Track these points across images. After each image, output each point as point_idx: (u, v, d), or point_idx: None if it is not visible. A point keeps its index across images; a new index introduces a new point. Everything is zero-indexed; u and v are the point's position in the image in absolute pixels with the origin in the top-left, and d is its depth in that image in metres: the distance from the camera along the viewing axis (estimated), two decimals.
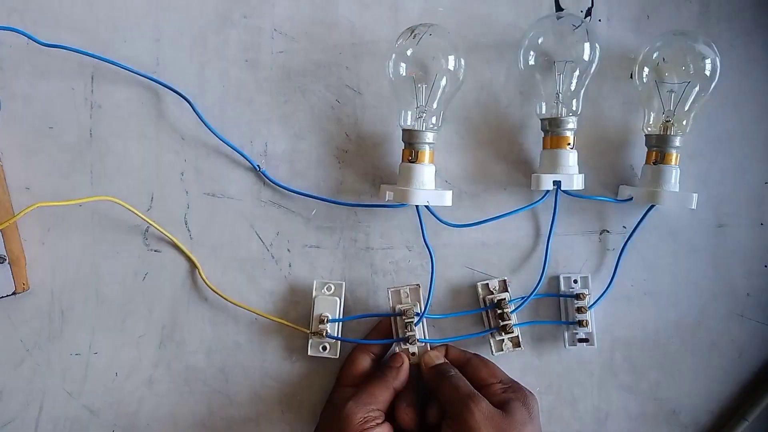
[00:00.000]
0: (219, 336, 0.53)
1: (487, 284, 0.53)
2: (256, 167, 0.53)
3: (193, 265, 0.53)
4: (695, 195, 0.50)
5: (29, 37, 0.50)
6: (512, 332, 0.52)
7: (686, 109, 0.50)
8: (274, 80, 0.53)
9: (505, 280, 0.53)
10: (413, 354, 0.51)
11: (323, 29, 0.53)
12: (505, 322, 0.51)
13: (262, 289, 0.53)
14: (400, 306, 0.51)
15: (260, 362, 0.54)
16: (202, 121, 0.52)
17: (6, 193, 0.51)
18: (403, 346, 0.51)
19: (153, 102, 0.53)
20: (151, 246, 0.53)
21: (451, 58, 0.49)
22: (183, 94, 0.52)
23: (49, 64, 0.52)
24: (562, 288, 0.54)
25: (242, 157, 0.53)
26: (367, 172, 0.54)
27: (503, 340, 0.52)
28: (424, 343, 0.52)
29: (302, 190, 0.53)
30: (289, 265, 0.54)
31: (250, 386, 0.54)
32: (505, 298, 0.52)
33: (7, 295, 0.50)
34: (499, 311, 0.52)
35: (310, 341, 0.52)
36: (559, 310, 0.54)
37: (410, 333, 0.50)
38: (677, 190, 0.50)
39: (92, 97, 0.53)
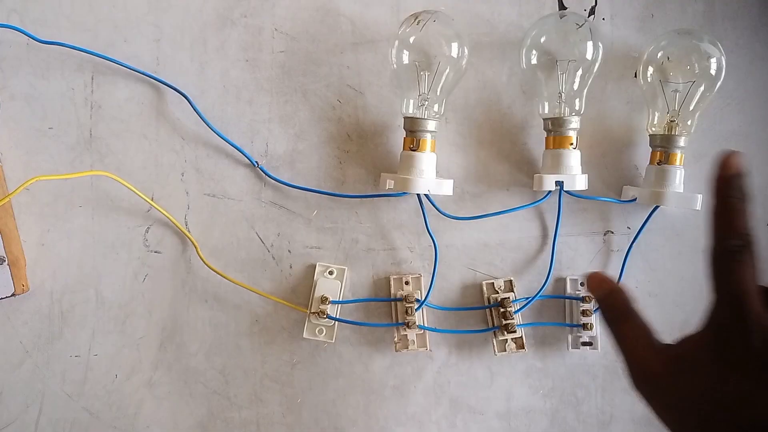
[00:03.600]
0: (219, 338, 0.53)
1: (493, 283, 0.53)
2: (254, 163, 0.52)
3: (190, 260, 0.53)
4: (700, 196, 0.50)
5: (28, 35, 0.50)
6: (515, 332, 0.51)
7: (691, 108, 0.50)
8: (275, 80, 0.53)
9: (510, 280, 0.53)
10: (412, 341, 0.52)
11: (324, 28, 0.53)
12: (508, 321, 0.51)
13: (262, 290, 0.53)
14: (401, 292, 0.52)
15: (260, 364, 0.53)
16: (200, 116, 0.51)
17: (6, 193, 0.51)
18: (402, 332, 0.52)
19: (153, 103, 0.53)
20: (151, 247, 0.53)
21: (455, 46, 0.49)
22: (180, 89, 0.51)
23: (49, 65, 0.52)
24: (568, 290, 0.53)
25: (242, 158, 0.53)
26: (368, 172, 0.53)
27: (506, 340, 0.52)
28: (422, 330, 0.52)
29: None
30: (290, 267, 0.53)
31: (251, 388, 0.53)
32: (509, 297, 0.52)
33: (7, 297, 0.50)
34: (502, 310, 0.51)
35: (306, 323, 0.52)
36: (563, 312, 0.54)
37: (410, 318, 0.51)
38: (681, 190, 0.50)
39: (92, 97, 0.52)
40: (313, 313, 0.51)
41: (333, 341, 0.52)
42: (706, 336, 0.33)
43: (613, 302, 0.37)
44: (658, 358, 0.34)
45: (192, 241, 0.52)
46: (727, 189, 0.32)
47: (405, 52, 0.49)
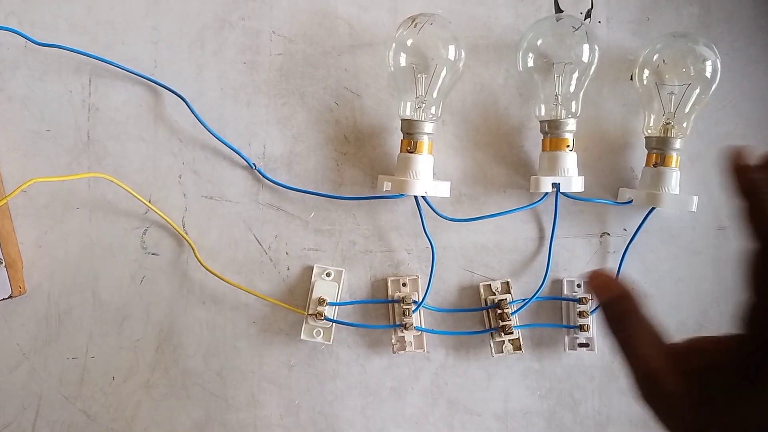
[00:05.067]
0: (216, 340, 0.53)
1: (490, 285, 0.53)
2: (252, 165, 0.52)
3: (188, 262, 0.53)
4: (696, 198, 0.50)
5: (25, 37, 0.50)
6: (512, 333, 0.52)
7: (687, 111, 0.50)
8: (273, 82, 0.53)
9: (507, 282, 0.53)
10: (409, 343, 0.52)
11: (322, 31, 0.53)
12: (505, 323, 0.51)
13: (259, 292, 0.53)
14: (399, 294, 0.52)
15: (258, 366, 0.53)
16: (197, 119, 0.52)
17: (3, 195, 0.51)
18: (399, 334, 0.52)
19: (150, 105, 0.53)
20: (148, 249, 0.53)
21: (452, 48, 0.49)
22: (178, 92, 0.51)
23: (47, 67, 0.52)
24: (565, 291, 0.54)
25: (240, 160, 0.53)
26: (366, 174, 0.53)
27: (503, 342, 0.52)
28: (420, 332, 0.52)
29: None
30: (288, 268, 0.53)
31: (248, 390, 0.53)
32: (506, 299, 0.52)
33: (4, 299, 0.50)
34: (499, 311, 0.52)
35: (304, 325, 0.52)
36: (560, 313, 0.54)
37: (407, 319, 0.51)
38: (677, 192, 0.50)
39: (90, 99, 0.52)
40: (311, 314, 0.51)
41: (330, 343, 0.52)
42: (743, 351, 0.28)
43: (620, 309, 0.31)
44: (676, 377, 0.29)
45: (189, 243, 0.52)
46: (756, 179, 0.28)
47: (402, 54, 0.49)
